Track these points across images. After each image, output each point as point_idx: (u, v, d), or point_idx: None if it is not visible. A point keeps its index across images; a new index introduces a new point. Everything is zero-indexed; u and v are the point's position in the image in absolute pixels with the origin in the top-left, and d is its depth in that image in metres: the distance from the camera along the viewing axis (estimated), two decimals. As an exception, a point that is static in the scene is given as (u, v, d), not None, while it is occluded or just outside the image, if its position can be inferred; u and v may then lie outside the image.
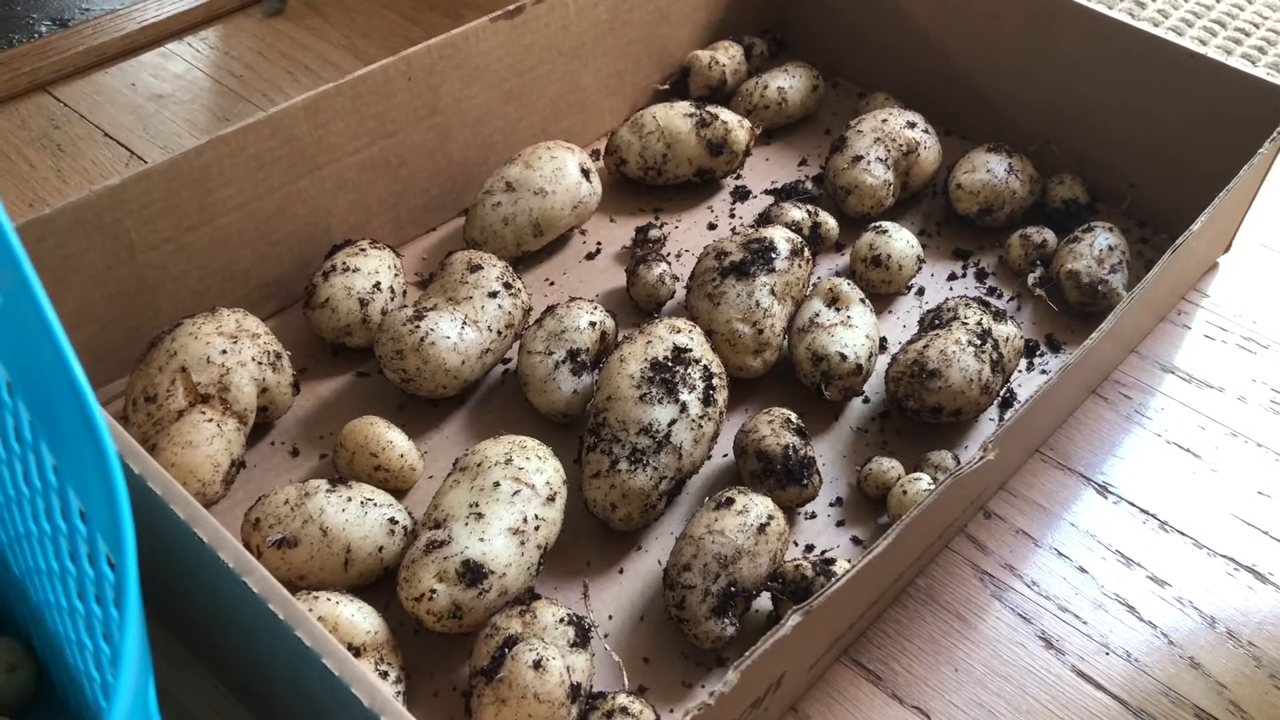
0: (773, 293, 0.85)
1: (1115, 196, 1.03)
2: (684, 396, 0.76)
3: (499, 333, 0.84)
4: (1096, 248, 0.93)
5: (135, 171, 0.79)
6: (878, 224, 0.95)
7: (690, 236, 1.00)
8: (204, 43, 1.22)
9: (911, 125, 1.01)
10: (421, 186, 0.97)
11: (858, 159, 0.98)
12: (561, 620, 0.66)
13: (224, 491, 0.77)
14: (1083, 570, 0.78)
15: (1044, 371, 0.90)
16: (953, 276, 0.98)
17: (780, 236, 0.87)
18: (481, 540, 0.67)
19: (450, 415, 0.85)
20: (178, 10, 1.23)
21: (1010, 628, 0.75)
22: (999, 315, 0.86)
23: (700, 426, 0.76)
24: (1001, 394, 0.87)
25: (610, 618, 0.73)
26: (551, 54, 1.01)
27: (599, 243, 0.99)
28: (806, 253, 0.88)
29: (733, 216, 1.02)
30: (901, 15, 1.11)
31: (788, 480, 0.76)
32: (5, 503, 0.51)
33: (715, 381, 0.78)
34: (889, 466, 0.80)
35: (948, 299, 0.89)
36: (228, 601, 0.58)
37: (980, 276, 0.98)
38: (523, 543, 0.68)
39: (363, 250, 0.88)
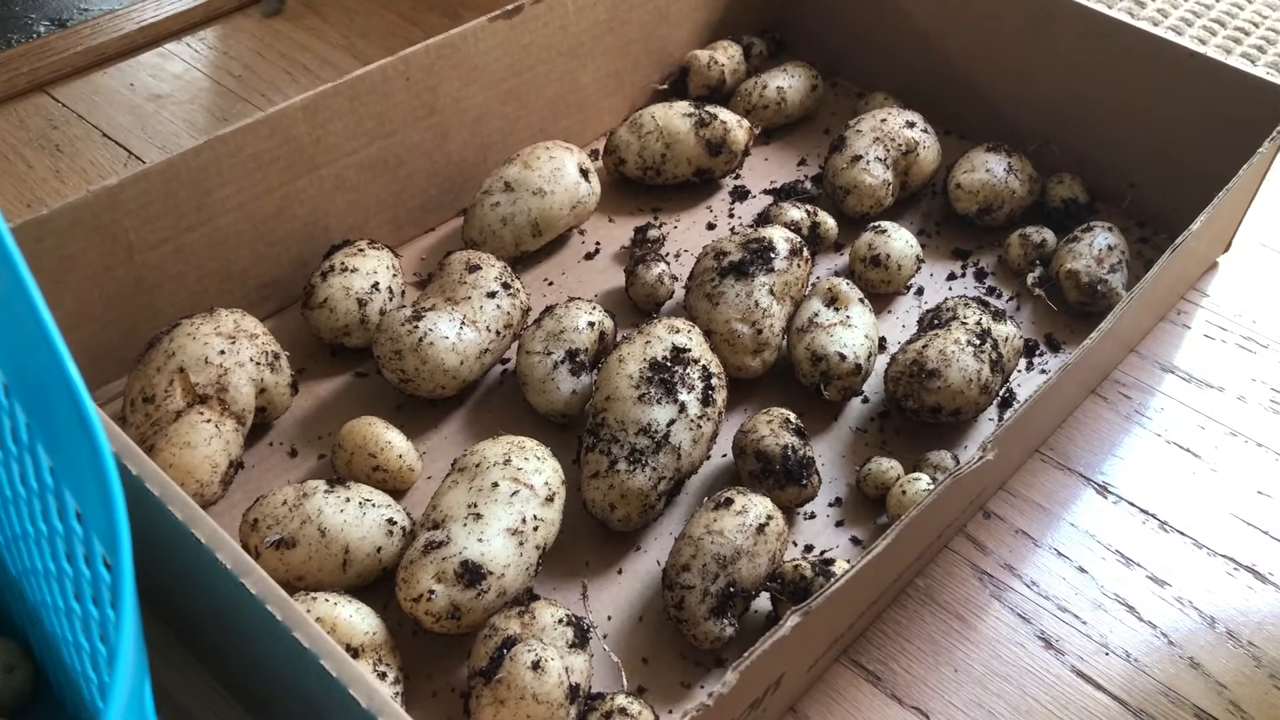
0: (772, 293, 0.85)
1: (1115, 196, 1.03)
2: (683, 397, 0.75)
3: (497, 333, 0.83)
4: (1096, 247, 0.93)
5: (133, 172, 0.79)
6: (877, 224, 0.95)
7: (689, 236, 1.00)
8: (202, 43, 1.22)
9: (911, 125, 1.01)
10: (420, 186, 0.97)
11: (857, 159, 0.98)
12: (560, 621, 0.66)
13: (222, 492, 0.77)
14: (1082, 570, 0.78)
15: (1043, 371, 0.90)
16: (952, 276, 0.98)
17: (779, 236, 0.87)
18: (480, 541, 0.67)
19: (449, 415, 0.85)
20: (176, 10, 1.23)
21: (1010, 628, 0.75)
22: (998, 315, 0.86)
23: (699, 427, 0.76)
24: (1001, 394, 0.87)
25: (609, 618, 0.73)
26: (550, 54, 1.00)
27: (598, 243, 0.99)
28: (805, 252, 0.88)
29: (732, 216, 1.02)
30: (901, 15, 1.11)
31: (787, 480, 0.76)
32: (2, 504, 0.51)
33: (714, 381, 0.78)
34: (888, 466, 0.79)
35: (947, 299, 0.88)
36: (226, 602, 0.58)
37: (979, 276, 0.98)
38: (521, 543, 0.68)
39: (361, 250, 0.88)
